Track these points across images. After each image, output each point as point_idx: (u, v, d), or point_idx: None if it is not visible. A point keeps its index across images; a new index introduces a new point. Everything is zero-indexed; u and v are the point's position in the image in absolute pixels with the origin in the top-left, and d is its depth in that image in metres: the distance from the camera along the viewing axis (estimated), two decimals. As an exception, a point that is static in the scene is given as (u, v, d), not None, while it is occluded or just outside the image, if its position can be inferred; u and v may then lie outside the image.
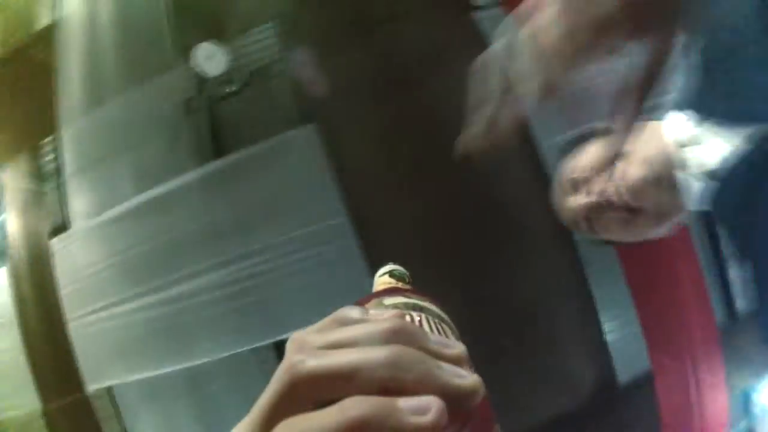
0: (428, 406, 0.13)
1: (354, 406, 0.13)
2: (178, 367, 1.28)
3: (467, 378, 0.15)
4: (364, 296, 0.24)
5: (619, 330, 1.28)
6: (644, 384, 1.29)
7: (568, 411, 1.23)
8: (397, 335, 0.16)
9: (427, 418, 0.13)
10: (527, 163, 1.17)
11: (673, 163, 0.58)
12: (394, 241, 1.20)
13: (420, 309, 0.21)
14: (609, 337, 1.25)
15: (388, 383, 0.14)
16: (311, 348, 0.16)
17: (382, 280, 0.30)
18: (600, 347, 1.24)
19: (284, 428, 0.14)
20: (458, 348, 0.16)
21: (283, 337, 1.23)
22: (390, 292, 0.23)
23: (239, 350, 1.25)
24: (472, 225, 1.23)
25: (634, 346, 1.28)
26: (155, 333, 1.27)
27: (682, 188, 0.58)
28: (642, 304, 1.27)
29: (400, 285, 0.28)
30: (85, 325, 1.34)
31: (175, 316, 1.24)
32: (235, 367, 1.28)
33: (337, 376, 0.14)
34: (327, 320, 0.18)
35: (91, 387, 1.34)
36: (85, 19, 1.36)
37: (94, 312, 1.32)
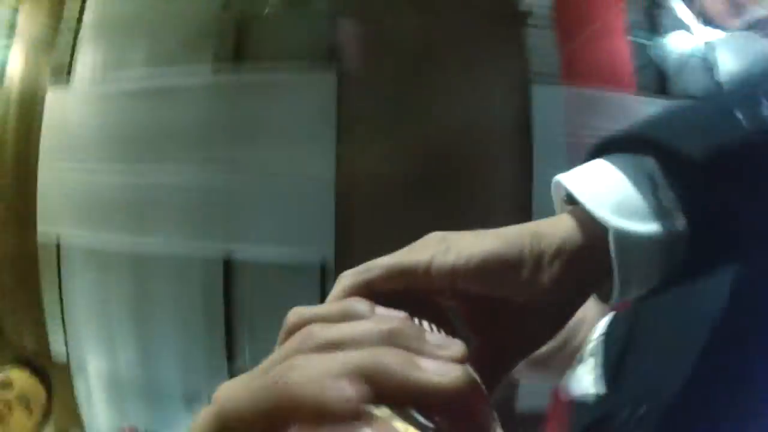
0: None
1: None
2: (126, 243, 1.31)
3: (447, 375, 0.15)
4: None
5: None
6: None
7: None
8: (395, 337, 0.16)
9: None
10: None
11: None
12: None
13: None
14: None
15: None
16: (312, 346, 0.16)
17: None
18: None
19: None
20: (455, 349, 0.16)
21: (235, 253, 1.27)
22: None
23: (188, 253, 1.29)
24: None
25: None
26: (119, 201, 1.29)
27: None
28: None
29: None
30: (55, 171, 1.37)
31: (143, 194, 1.27)
32: (178, 271, 1.33)
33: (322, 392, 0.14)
34: (334, 309, 0.19)
35: (42, 232, 1.37)
36: None
37: (68, 165, 1.35)
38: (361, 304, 0.19)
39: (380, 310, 0.19)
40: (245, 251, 1.22)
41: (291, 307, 0.20)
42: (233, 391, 0.15)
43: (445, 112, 1.25)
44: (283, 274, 1.23)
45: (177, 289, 1.32)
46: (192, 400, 1.30)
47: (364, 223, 1.22)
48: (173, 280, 1.33)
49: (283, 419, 0.13)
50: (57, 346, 1.40)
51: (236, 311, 1.26)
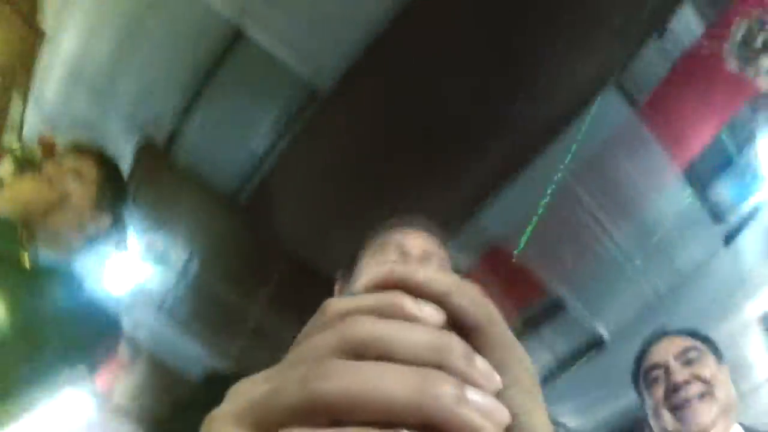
0: None
1: None
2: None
3: (493, 418, 0.14)
4: None
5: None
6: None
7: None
8: (445, 353, 0.15)
9: None
10: None
11: None
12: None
13: None
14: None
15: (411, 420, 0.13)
16: (353, 344, 0.15)
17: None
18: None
19: None
20: (497, 380, 0.16)
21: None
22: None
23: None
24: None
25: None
26: None
27: None
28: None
29: None
30: None
31: None
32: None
33: (360, 409, 0.13)
34: (380, 301, 0.17)
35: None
36: None
37: None
38: (408, 300, 0.17)
39: (427, 308, 0.17)
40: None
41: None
42: (258, 392, 0.15)
43: None
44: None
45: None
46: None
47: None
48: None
49: (311, 422, 0.13)
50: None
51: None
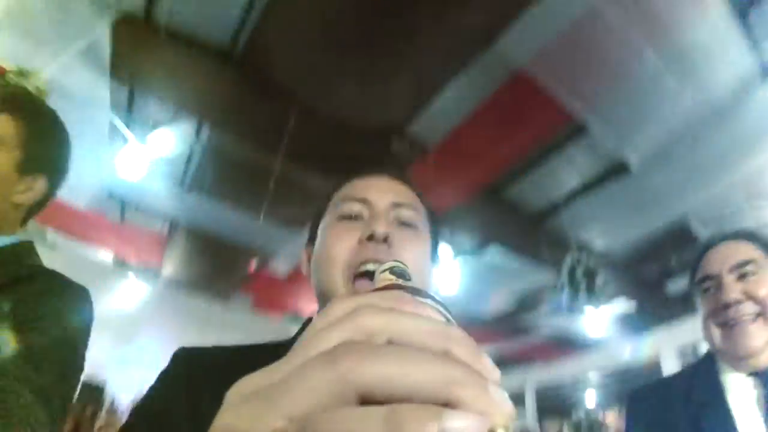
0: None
1: (404, 422, 0.13)
2: None
3: (503, 407, 0.15)
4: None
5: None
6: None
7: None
8: (448, 342, 0.16)
9: None
10: None
11: None
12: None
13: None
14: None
15: (443, 401, 0.14)
16: (368, 332, 0.16)
17: (383, 276, 0.30)
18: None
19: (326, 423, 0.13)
20: (497, 374, 0.17)
21: None
22: (392, 289, 0.23)
23: None
24: None
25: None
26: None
27: None
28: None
29: (401, 282, 0.29)
30: None
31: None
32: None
33: (393, 391, 0.14)
34: (385, 298, 0.18)
35: None
36: None
37: None
38: (410, 297, 0.18)
39: (427, 304, 0.19)
40: None
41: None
42: (275, 380, 0.15)
43: None
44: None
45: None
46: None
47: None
48: None
49: None
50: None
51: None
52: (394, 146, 3.56)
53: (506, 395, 0.15)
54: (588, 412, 6.71)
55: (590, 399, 11.40)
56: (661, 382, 0.95)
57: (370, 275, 0.45)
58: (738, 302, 0.77)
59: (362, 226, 0.51)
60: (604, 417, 7.12)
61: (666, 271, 5.79)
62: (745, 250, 0.83)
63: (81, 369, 0.71)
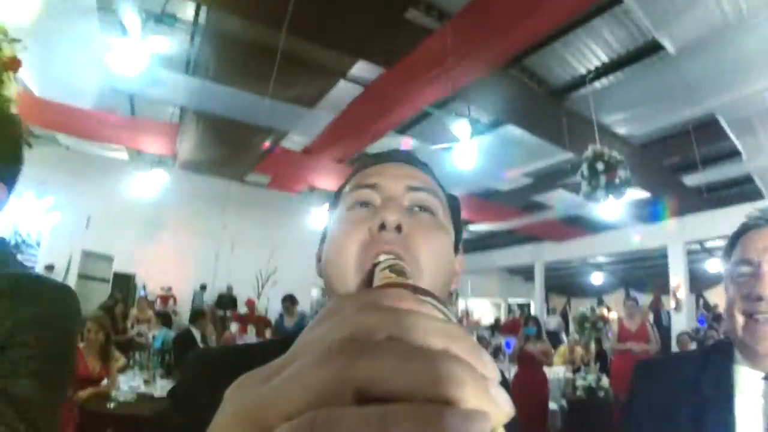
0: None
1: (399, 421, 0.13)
2: None
3: (505, 404, 0.15)
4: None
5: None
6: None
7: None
8: (449, 339, 0.16)
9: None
10: None
11: None
12: None
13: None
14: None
15: (442, 399, 0.13)
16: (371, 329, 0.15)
17: (382, 275, 0.30)
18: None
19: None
20: (498, 374, 0.16)
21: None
22: (391, 287, 0.23)
23: None
24: None
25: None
26: None
27: None
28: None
29: (400, 280, 0.29)
30: None
31: None
32: None
33: (392, 389, 0.14)
34: (387, 296, 0.18)
35: None
36: None
37: None
38: (412, 295, 0.18)
39: (429, 302, 0.19)
40: None
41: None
42: (273, 378, 0.15)
43: None
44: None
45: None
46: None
47: None
48: None
49: None
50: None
51: None
52: (409, 13, 3.23)
53: (506, 394, 0.15)
54: (593, 309, 7.18)
55: (596, 279, 12.07)
56: (671, 360, 0.92)
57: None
58: None
59: (373, 215, 0.45)
60: (608, 315, 7.55)
61: (686, 163, 5.62)
62: None
63: (63, 375, 0.70)
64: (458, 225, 0.54)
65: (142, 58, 3.54)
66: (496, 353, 7.27)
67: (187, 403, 0.41)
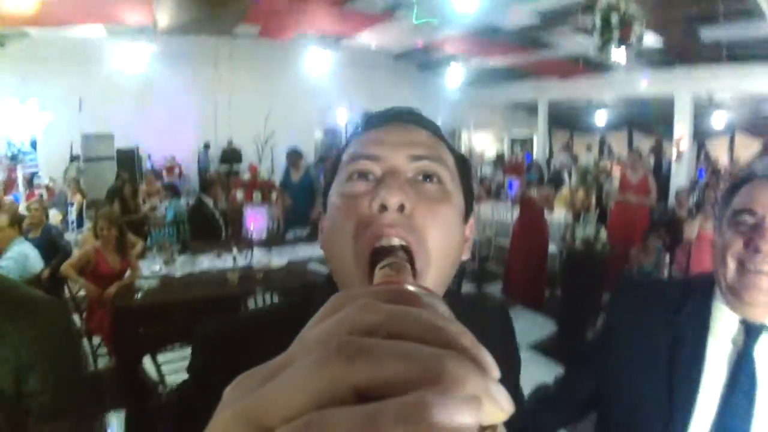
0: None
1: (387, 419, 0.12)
2: None
3: (507, 403, 0.14)
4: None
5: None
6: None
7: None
8: (448, 335, 0.15)
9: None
10: None
11: None
12: None
13: None
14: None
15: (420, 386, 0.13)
16: (367, 325, 0.15)
17: (382, 272, 0.29)
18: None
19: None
20: (498, 372, 0.16)
21: None
22: (392, 284, 0.23)
23: None
24: None
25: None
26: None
27: None
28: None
29: (401, 278, 0.28)
30: None
31: None
32: None
33: (391, 387, 0.13)
34: (387, 291, 0.18)
35: None
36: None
37: None
38: (414, 289, 0.18)
39: (430, 297, 0.18)
40: None
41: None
42: (272, 378, 0.15)
43: None
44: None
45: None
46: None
47: None
48: None
49: None
50: None
51: None
52: None
53: (506, 392, 0.15)
54: (596, 161, 6.94)
55: (600, 119, 11.63)
56: (654, 286, 0.90)
57: (386, 252, 0.38)
58: None
59: (374, 188, 0.42)
60: (611, 167, 7.30)
61: (705, 16, 5.08)
62: None
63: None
64: (469, 187, 0.51)
65: None
66: (498, 192, 7.58)
67: (207, 386, 0.37)
